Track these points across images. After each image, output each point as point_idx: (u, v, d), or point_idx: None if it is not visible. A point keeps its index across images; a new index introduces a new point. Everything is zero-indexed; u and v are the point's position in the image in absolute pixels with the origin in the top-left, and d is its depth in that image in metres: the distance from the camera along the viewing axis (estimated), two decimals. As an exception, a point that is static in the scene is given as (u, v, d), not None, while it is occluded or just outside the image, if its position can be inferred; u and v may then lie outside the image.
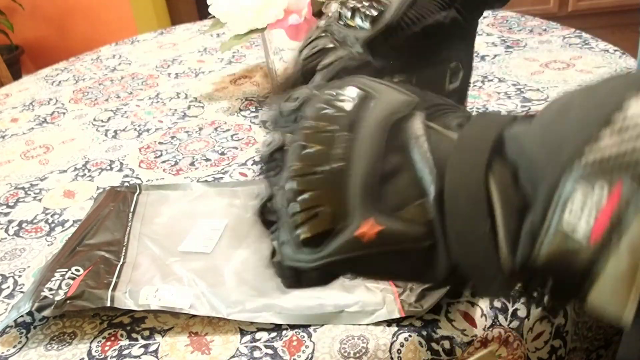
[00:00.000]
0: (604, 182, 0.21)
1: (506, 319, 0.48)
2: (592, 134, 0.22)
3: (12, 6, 2.67)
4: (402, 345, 0.46)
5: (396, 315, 0.47)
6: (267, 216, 0.33)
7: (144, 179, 0.74)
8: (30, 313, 0.52)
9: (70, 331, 0.51)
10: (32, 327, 0.52)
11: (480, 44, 1.01)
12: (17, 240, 0.66)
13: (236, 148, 0.79)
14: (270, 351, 0.47)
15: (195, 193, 0.68)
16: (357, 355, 0.46)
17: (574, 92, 0.25)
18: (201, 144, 0.81)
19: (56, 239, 0.65)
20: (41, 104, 1.03)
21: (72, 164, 0.81)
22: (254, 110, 0.90)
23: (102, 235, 0.61)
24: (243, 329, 0.50)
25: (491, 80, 0.88)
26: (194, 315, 0.51)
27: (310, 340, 0.48)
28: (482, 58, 0.95)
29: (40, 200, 0.73)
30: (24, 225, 0.68)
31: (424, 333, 0.47)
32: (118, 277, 0.54)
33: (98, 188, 0.74)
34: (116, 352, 0.49)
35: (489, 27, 1.09)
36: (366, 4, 0.48)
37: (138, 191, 0.69)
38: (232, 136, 0.82)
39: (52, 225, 0.67)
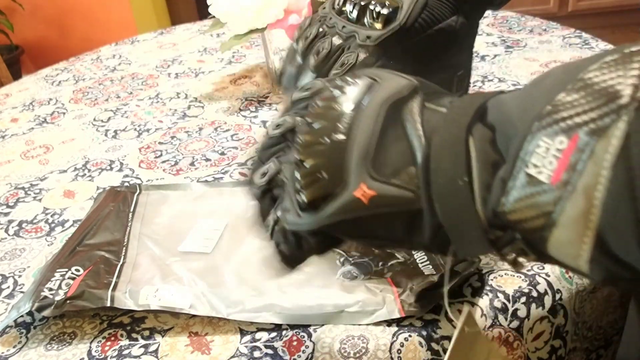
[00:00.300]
0: (563, 136, 0.24)
1: (506, 319, 0.48)
2: (556, 95, 0.25)
3: (12, 6, 2.67)
4: (402, 345, 0.46)
5: (396, 315, 0.47)
6: (273, 192, 0.36)
7: (144, 179, 0.74)
8: (30, 313, 0.52)
9: (70, 331, 0.51)
10: (32, 327, 0.52)
11: (480, 44, 1.01)
12: (17, 240, 0.66)
13: (236, 148, 0.79)
14: (270, 351, 0.47)
15: (195, 193, 0.68)
16: (357, 355, 0.46)
17: (554, 68, 0.28)
18: (201, 144, 0.81)
19: (56, 239, 0.65)
20: (41, 104, 1.03)
21: (72, 164, 0.81)
22: (254, 110, 0.90)
23: (102, 235, 0.61)
24: (243, 329, 0.50)
25: (491, 80, 0.88)
26: (194, 315, 0.51)
27: (310, 340, 0.47)
28: (482, 58, 0.95)
29: (40, 200, 0.73)
30: (24, 225, 0.68)
31: (424, 333, 0.47)
32: (118, 277, 0.54)
33: (98, 188, 0.74)
34: (116, 352, 0.49)
35: (489, 27, 1.09)
36: (374, 1, 0.47)
37: (138, 191, 0.69)
38: (232, 136, 0.82)
39: (52, 225, 0.67)
